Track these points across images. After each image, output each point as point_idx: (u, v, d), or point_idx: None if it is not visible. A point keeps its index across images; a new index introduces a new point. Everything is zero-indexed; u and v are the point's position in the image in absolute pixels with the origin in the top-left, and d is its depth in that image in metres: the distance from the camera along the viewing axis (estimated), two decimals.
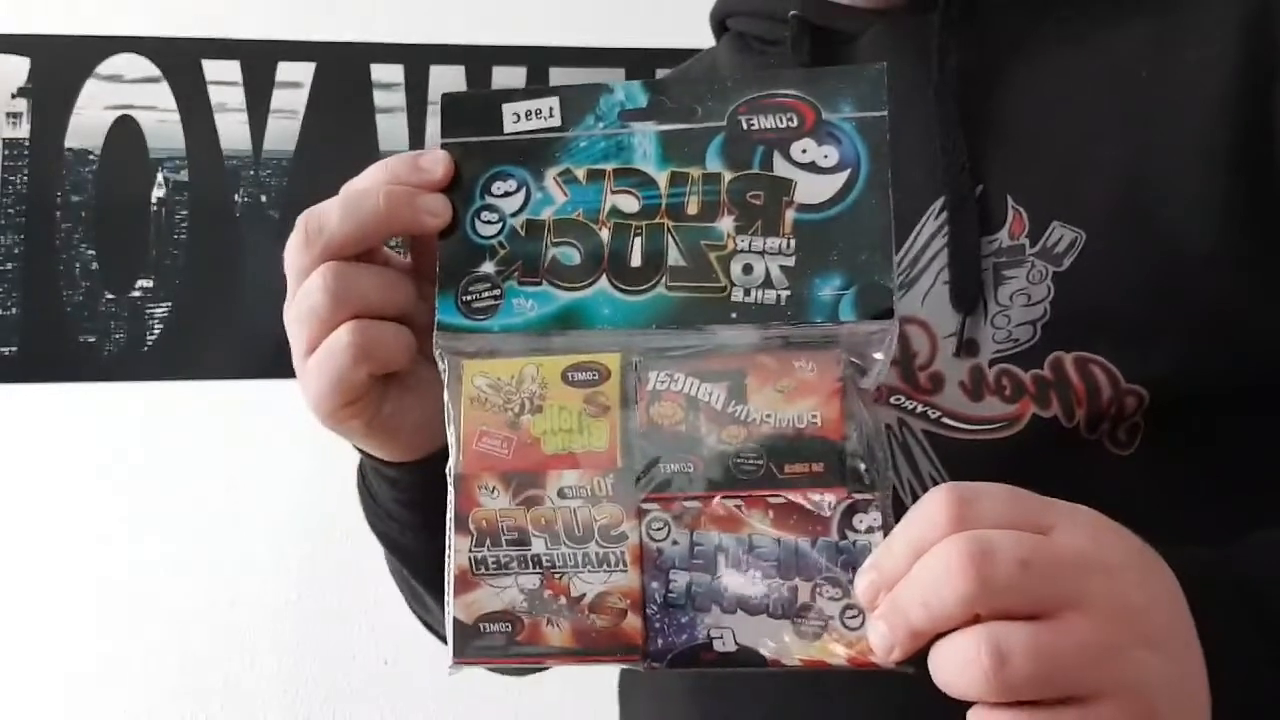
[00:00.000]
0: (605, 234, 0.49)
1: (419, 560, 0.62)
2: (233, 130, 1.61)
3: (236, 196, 1.60)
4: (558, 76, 1.66)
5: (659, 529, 0.46)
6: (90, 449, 1.54)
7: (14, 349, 1.55)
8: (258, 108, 1.61)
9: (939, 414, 0.55)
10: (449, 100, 0.52)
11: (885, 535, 0.44)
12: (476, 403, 0.49)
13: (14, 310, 1.55)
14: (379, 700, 1.53)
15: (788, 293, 0.47)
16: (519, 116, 0.50)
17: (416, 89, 1.64)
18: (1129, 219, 0.55)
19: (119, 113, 1.60)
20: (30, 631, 1.51)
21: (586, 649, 0.47)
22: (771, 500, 0.46)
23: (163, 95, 1.61)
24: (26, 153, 1.58)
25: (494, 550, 0.47)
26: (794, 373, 0.46)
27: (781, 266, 0.47)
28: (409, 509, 0.59)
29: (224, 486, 1.55)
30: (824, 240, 0.47)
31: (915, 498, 0.53)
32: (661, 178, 0.49)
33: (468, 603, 0.47)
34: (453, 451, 0.49)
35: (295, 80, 1.62)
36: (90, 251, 1.58)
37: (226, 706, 1.51)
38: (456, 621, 0.47)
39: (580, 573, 0.47)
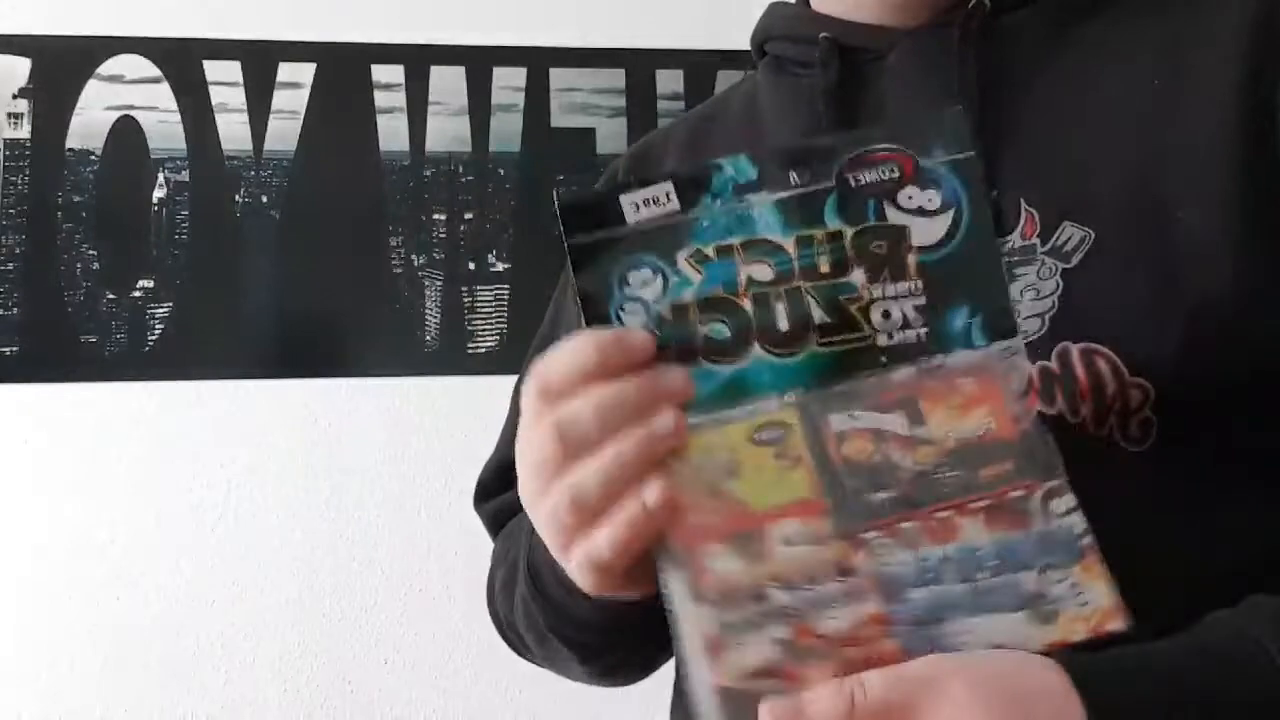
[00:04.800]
0: (748, 305, 0.51)
1: (588, 647, 0.66)
2: (233, 130, 1.61)
3: (237, 197, 1.60)
4: (558, 77, 1.67)
5: (884, 554, 0.49)
6: (91, 449, 1.54)
7: (15, 349, 1.56)
8: (258, 108, 1.62)
9: None
10: (567, 204, 0.52)
11: (1080, 514, 0.48)
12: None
13: (15, 310, 1.56)
14: (379, 700, 1.53)
15: (925, 330, 0.51)
16: (638, 206, 0.52)
17: (417, 89, 1.64)
18: (1138, 218, 0.56)
19: (120, 113, 1.60)
20: (30, 631, 1.51)
21: None
22: (976, 505, 0.49)
23: (164, 96, 1.61)
24: (28, 153, 1.58)
25: (739, 611, 0.49)
26: (958, 389, 0.50)
27: (915, 307, 0.51)
28: (598, 627, 0.62)
29: (224, 486, 1.55)
30: (946, 277, 0.51)
31: None
32: (788, 243, 0.51)
33: (728, 666, 0.48)
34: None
35: (296, 81, 1.63)
36: (91, 252, 1.58)
37: (226, 706, 1.51)
38: (723, 690, 0.48)
39: (826, 611, 0.49)
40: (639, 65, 1.68)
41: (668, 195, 0.51)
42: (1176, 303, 0.54)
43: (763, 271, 0.51)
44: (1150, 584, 0.47)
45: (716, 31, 1.64)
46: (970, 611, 0.48)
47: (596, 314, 0.51)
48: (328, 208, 1.58)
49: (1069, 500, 0.49)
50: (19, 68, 1.59)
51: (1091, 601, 0.48)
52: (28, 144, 1.58)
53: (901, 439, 0.50)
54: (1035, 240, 0.57)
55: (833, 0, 0.67)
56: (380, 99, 1.64)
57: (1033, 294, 0.56)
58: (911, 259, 0.51)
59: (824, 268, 0.51)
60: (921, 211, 0.51)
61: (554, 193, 0.52)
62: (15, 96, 1.59)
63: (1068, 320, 0.55)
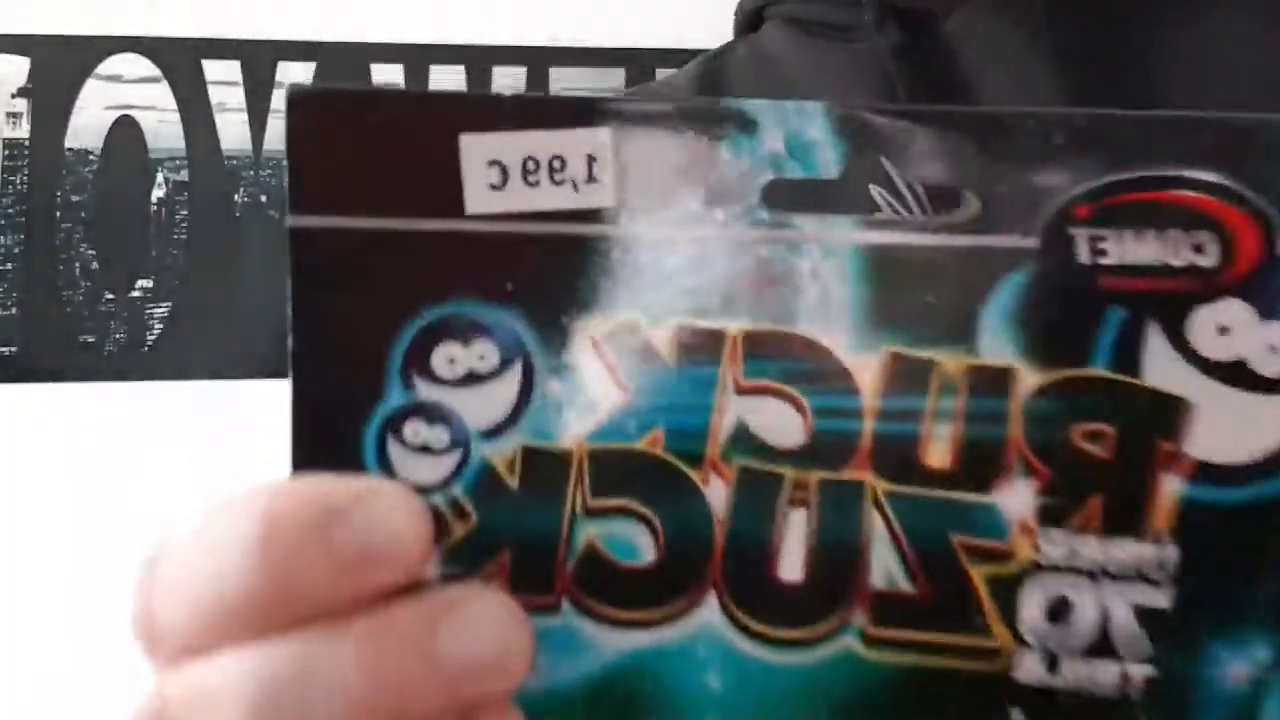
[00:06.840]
0: (719, 492, 0.22)
1: None
2: (233, 130, 1.61)
3: (237, 196, 1.59)
4: (559, 78, 1.66)
5: None
6: (90, 449, 1.54)
7: (14, 349, 1.55)
8: (258, 108, 1.61)
9: None
10: (299, 102, 0.24)
11: None
12: None
13: (13, 310, 1.55)
14: None
15: (1149, 672, 0.22)
16: (506, 173, 0.22)
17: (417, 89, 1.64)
18: None
19: (119, 113, 1.59)
20: (29, 631, 1.51)
21: None
22: None
23: (163, 95, 1.60)
24: (26, 153, 1.58)
25: None
26: None
27: (1142, 610, 0.22)
28: None
29: (224, 487, 1.54)
30: (1239, 552, 0.22)
31: None
32: (867, 365, 0.22)
33: None
34: None
35: (296, 80, 1.62)
36: (90, 251, 1.58)
37: None
38: None
39: None
40: (639, 65, 1.67)
41: (593, 160, 0.22)
42: None
43: (784, 421, 0.22)
44: None
45: (716, 31, 1.63)
46: None
47: (325, 445, 0.25)
48: None
49: None
50: (17, 67, 1.58)
51: None
52: (26, 143, 1.58)
53: None
54: None
55: None
56: None
57: None
58: (1171, 489, 0.22)
59: (935, 457, 0.22)
60: (1243, 374, 0.22)
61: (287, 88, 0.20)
62: (14, 96, 1.58)
63: None
